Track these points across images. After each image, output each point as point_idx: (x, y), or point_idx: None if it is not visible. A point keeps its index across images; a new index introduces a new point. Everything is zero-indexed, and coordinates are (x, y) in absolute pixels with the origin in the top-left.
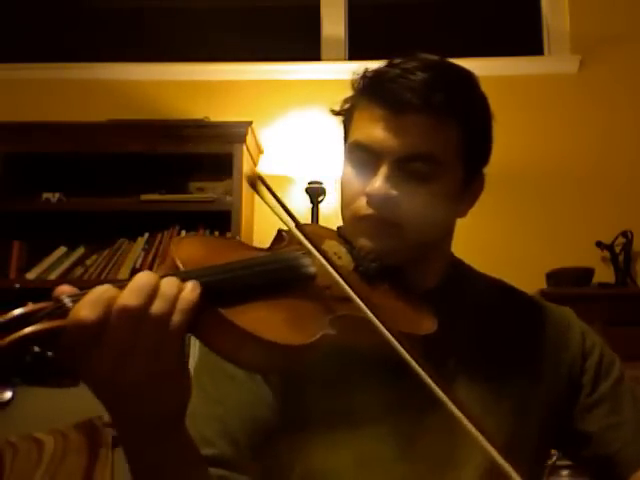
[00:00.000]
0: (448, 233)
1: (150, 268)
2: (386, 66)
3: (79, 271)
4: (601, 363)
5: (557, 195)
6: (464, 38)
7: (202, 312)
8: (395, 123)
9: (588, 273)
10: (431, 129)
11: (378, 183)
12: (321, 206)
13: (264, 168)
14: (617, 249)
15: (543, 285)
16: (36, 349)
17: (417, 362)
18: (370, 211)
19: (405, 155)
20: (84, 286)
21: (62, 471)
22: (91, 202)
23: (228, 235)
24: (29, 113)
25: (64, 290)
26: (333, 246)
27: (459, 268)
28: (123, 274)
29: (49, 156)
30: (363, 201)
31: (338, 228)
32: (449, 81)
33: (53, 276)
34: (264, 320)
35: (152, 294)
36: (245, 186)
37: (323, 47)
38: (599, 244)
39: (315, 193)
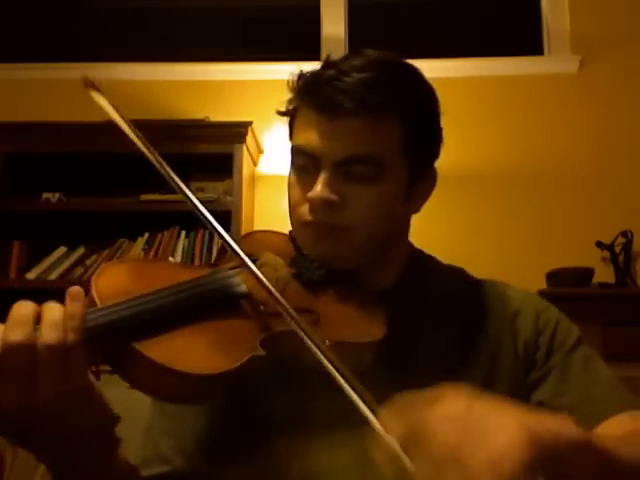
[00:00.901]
0: (402, 231)
1: None
2: (322, 67)
3: (79, 271)
4: (554, 337)
5: (557, 195)
6: (464, 38)
7: (116, 347)
8: (330, 127)
9: (588, 273)
10: (368, 131)
11: (318, 188)
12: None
13: (264, 168)
14: (617, 249)
15: (543, 285)
16: None
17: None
18: (312, 217)
19: (343, 159)
20: (84, 286)
21: None
22: (91, 202)
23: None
24: (29, 113)
25: None
26: (270, 257)
27: (418, 262)
28: None
29: (49, 156)
30: (306, 207)
31: (290, 232)
32: (386, 80)
33: (53, 276)
34: (183, 349)
35: (33, 322)
36: (245, 186)
37: (323, 47)
38: (599, 244)
39: None
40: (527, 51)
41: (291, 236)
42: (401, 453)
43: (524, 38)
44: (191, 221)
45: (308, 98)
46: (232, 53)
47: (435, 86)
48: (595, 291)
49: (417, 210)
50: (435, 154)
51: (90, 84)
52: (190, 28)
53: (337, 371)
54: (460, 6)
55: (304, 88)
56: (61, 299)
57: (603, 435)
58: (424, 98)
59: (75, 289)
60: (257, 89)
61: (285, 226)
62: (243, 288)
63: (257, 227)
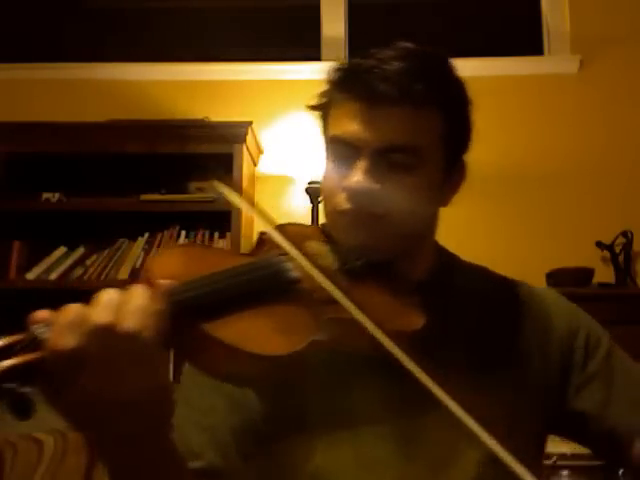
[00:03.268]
0: (433, 223)
1: None
2: (361, 57)
3: (79, 271)
4: (588, 341)
5: (557, 195)
6: (464, 38)
7: (183, 328)
8: (371, 115)
9: (588, 273)
10: (409, 119)
11: (356, 177)
12: (321, 206)
13: (264, 168)
14: (617, 249)
15: (543, 285)
16: (13, 384)
17: (410, 360)
18: (349, 205)
19: (383, 147)
20: (84, 286)
21: (62, 471)
22: (91, 202)
23: (228, 235)
24: (29, 113)
25: (37, 318)
26: (315, 246)
27: (446, 258)
28: (123, 274)
29: (49, 156)
30: (343, 196)
31: (322, 225)
32: (426, 69)
33: (53, 276)
34: (248, 332)
35: (121, 307)
36: (245, 186)
37: (323, 47)
38: (599, 244)
39: (315, 193)
40: (527, 51)
41: (323, 228)
42: None
43: (524, 38)
44: (191, 221)
45: (347, 87)
46: (232, 53)
47: None
48: (595, 291)
49: (447, 203)
50: (467, 146)
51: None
52: (190, 28)
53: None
54: (460, 6)
55: (343, 78)
56: (61, 299)
57: None
58: (461, 90)
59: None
60: (257, 89)
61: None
62: (295, 274)
63: (257, 227)
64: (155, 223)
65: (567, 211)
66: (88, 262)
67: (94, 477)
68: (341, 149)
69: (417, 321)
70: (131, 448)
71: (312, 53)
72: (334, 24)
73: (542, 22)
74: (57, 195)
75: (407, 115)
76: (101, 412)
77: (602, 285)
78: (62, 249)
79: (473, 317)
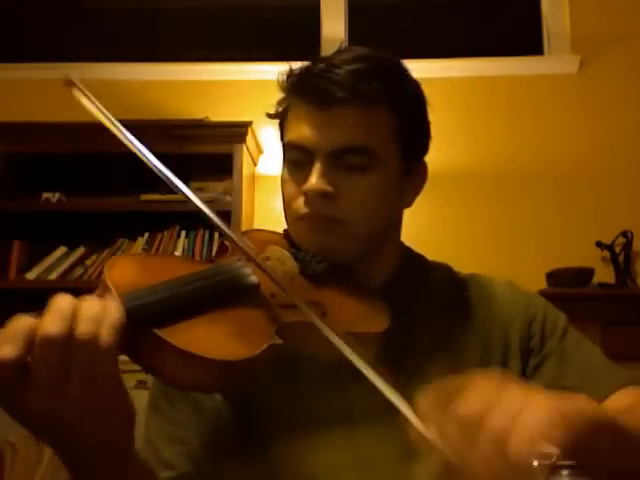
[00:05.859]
0: (395, 224)
1: None
2: (312, 62)
3: (79, 271)
4: (544, 323)
5: (557, 195)
6: (464, 38)
7: (137, 334)
8: (323, 118)
9: (588, 273)
10: (360, 120)
11: (313, 180)
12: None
13: (264, 168)
14: (617, 249)
15: (543, 285)
16: None
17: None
18: (308, 209)
19: (337, 149)
20: (84, 286)
21: (62, 471)
22: (91, 202)
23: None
24: (29, 113)
25: None
26: (276, 251)
27: (410, 258)
28: None
29: (49, 156)
30: (301, 200)
31: (284, 231)
32: (376, 71)
33: (53, 276)
34: (204, 336)
35: (73, 317)
36: (245, 186)
37: (323, 47)
38: (599, 244)
39: None
40: (527, 51)
41: (286, 234)
42: (441, 443)
43: (524, 38)
44: (191, 221)
45: (299, 92)
46: (232, 53)
47: (435, 86)
48: (595, 291)
49: (409, 205)
50: (425, 148)
51: (71, 83)
52: (190, 28)
53: (359, 358)
54: (460, 6)
55: (295, 83)
56: None
57: (619, 411)
58: (412, 90)
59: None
60: (257, 89)
61: (284, 226)
62: (254, 279)
63: (257, 227)
64: (155, 223)
65: (567, 211)
66: (88, 262)
67: None
68: (296, 154)
69: (381, 323)
70: (90, 459)
71: (312, 53)
72: (334, 24)
73: (542, 22)
74: (57, 195)
75: (358, 115)
76: (52, 427)
77: (602, 285)
78: (62, 249)
79: (435, 314)
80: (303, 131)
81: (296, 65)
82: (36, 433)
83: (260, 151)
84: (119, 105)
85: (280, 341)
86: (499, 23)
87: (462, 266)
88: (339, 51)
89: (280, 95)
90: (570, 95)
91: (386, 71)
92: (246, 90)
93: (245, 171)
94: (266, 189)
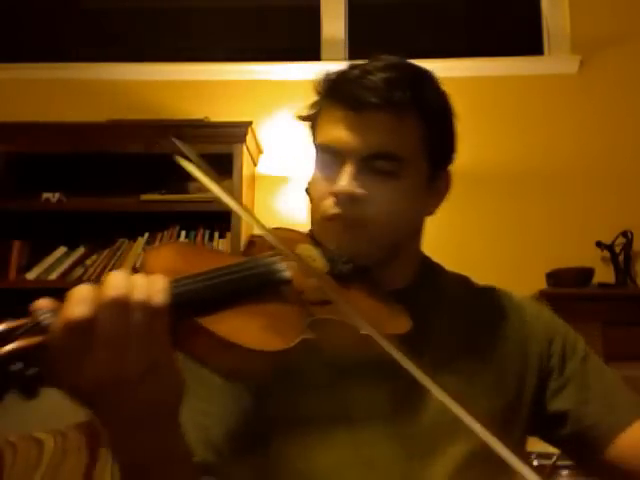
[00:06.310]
0: (417, 232)
1: None
2: (347, 68)
3: (79, 271)
4: (565, 345)
5: (557, 195)
6: (464, 38)
7: (179, 321)
8: (356, 122)
9: (588, 273)
10: (392, 126)
11: (343, 182)
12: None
13: (264, 168)
14: (617, 249)
15: (543, 285)
16: (18, 366)
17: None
18: (337, 210)
19: (368, 153)
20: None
21: (62, 471)
22: (91, 202)
23: (228, 235)
24: (29, 113)
25: (41, 305)
26: (307, 249)
27: (428, 266)
28: None
29: (49, 156)
30: (330, 201)
31: (309, 231)
32: (408, 79)
33: (53, 276)
34: (242, 327)
35: (130, 285)
36: (245, 186)
37: (323, 47)
38: (599, 244)
39: None
40: (527, 51)
41: (310, 234)
42: None
43: (524, 38)
44: (191, 221)
45: (334, 96)
46: (232, 53)
47: None
48: (595, 291)
49: (432, 212)
50: (450, 156)
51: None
52: (190, 28)
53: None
54: (460, 6)
55: (329, 87)
56: (61, 299)
57: None
58: (441, 100)
59: None
60: (257, 89)
61: (283, 226)
62: (288, 274)
63: (257, 227)
64: (155, 223)
65: (567, 211)
66: (88, 262)
67: (94, 477)
68: (328, 156)
69: (405, 324)
70: (140, 431)
71: (312, 53)
72: (334, 24)
73: (542, 22)
74: (57, 195)
75: (390, 122)
76: (112, 388)
77: (602, 285)
78: (62, 249)
79: (455, 323)
80: (337, 133)
81: (308, 67)
82: (92, 397)
83: (260, 151)
84: (119, 105)
85: (313, 335)
86: (499, 23)
87: (462, 266)
88: (371, 59)
89: (313, 97)
90: (570, 95)
91: (416, 80)
92: (246, 90)
93: (245, 171)
94: (266, 189)
